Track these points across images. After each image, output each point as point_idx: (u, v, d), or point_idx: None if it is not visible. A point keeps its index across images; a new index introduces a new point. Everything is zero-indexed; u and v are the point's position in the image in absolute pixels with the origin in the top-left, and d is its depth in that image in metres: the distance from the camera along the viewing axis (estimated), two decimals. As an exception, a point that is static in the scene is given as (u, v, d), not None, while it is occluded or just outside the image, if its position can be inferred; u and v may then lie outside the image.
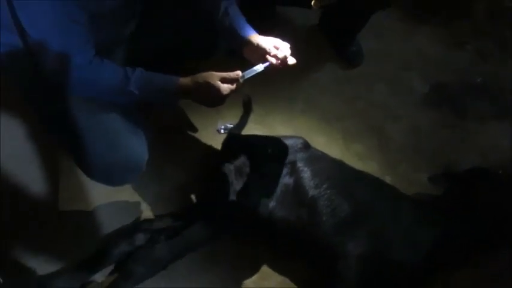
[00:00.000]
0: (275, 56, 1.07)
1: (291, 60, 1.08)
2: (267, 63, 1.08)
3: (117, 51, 1.13)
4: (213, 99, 1.06)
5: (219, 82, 1.03)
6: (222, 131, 1.49)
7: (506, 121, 1.71)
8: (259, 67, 1.07)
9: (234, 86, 1.05)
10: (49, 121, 1.08)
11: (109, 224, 1.24)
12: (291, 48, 1.09)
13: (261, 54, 1.09)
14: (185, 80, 1.05)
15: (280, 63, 1.08)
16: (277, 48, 1.08)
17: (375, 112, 1.67)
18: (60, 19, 0.87)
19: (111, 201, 1.29)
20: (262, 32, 1.16)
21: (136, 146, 1.10)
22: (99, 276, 1.12)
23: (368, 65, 1.78)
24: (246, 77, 1.06)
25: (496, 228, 1.23)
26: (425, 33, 1.94)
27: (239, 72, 1.05)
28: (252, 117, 1.52)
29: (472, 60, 1.88)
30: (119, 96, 1.03)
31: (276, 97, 1.61)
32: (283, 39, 1.11)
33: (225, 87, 1.03)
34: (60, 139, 1.15)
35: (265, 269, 1.25)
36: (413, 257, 1.14)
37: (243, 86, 1.07)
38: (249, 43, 1.11)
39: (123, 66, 1.03)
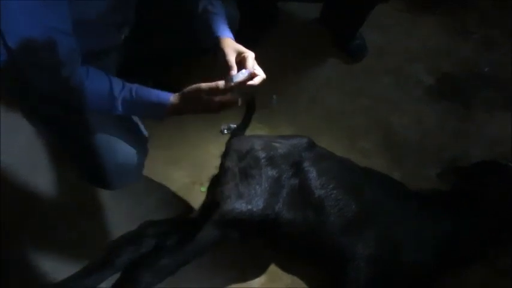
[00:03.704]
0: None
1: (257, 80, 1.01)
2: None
3: (110, 57, 1.10)
4: (206, 102, 0.99)
5: (207, 88, 0.96)
6: (226, 132, 1.47)
7: (515, 111, 1.67)
8: (245, 72, 0.98)
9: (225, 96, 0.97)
10: (45, 129, 1.06)
11: (114, 230, 1.23)
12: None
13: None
14: (174, 98, 1.00)
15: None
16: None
17: (380, 107, 1.64)
18: (44, 30, 0.82)
19: (116, 206, 1.29)
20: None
21: (131, 148, 1.08)
22: (106, 284, 1.11)
23: (371, 58, 1.75)
24: (235, 80, 0.97)
25: (506, 222, 1.21)
26: (430, 23, 1.90)
27: (222, 82, 0.96)
28: (255, 116, 1.50)
29: (479, 49, 1.83)
30: (104, 110, 0.99)
31: (279, 95, 1.58)
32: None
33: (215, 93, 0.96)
34: (58, 146, 1.14)
35: (273, 270, 1.24)
36: (423, 255, 1.12)
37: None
38: (219, 47, 1.05)
39: (116, 73, 1.00)
